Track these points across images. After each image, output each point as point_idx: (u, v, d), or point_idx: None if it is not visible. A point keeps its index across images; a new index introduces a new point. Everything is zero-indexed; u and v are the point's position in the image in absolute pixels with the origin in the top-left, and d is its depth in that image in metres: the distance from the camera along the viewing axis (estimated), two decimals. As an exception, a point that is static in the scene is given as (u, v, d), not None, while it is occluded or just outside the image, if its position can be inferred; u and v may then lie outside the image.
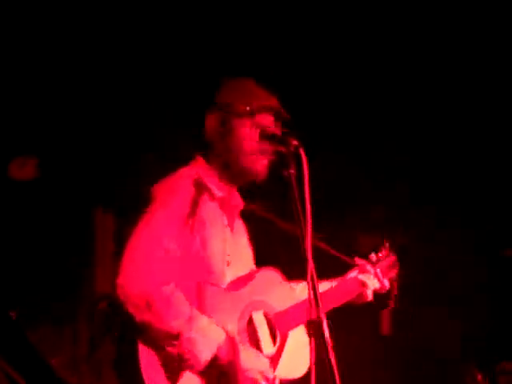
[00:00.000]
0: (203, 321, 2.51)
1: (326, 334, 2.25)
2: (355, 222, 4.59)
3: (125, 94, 4.52)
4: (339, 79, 4.84)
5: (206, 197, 2.70)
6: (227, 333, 2.54)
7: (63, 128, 4.62)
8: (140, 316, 2.44)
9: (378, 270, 3.13)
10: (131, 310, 2.45)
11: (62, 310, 4.52)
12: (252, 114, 2.70)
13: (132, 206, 2.71)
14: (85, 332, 4.49)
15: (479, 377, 4.19)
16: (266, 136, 2.63)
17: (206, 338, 2.49)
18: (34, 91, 4.51)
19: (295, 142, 2.43)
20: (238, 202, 2.86)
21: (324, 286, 2.96)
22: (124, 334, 2.55)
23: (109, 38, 4.38)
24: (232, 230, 2.79)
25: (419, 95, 4.95)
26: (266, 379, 2.62)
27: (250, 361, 2.57)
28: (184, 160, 2.79)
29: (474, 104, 4.96)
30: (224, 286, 2.67)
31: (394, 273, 3.24)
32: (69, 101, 4.54)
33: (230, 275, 2.72)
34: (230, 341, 2.54)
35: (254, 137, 2.68)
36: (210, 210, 2.70)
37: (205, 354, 2.48)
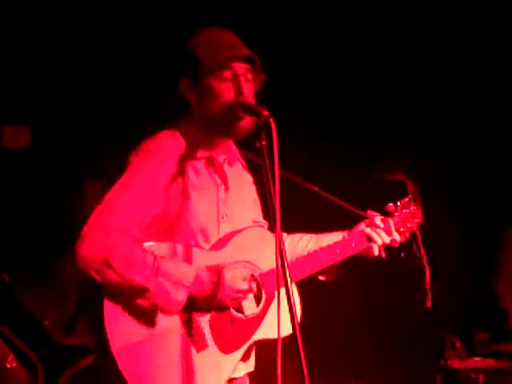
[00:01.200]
0: (169, 265, 2.49)
1: (294, 303, 2.25)
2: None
3: (112, 61, 4.56)
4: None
5: (190, 156, 2.66)
6: (198, 268, 2.52)
7: (56, 97, 4.67)
8: (104, 278, 2.44)
9: (391, 222, 2.98)
10: (94, 275, 2.44)
11: (51, 275, 4.60)
12: (222, 65, 2.63)
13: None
14: (73, 296, 4.57)
15: (458, 343, 4.28)
16: (238, 105, 2.60)
17: (176, 280, 2.48)
18: (28, 61, 4.56)
19: (266, 113, 2.40)
20: (234, 157, 2.82)
21: (334, 238, 2.94)
22: (89, 296, 2.54)
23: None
24: (226, 186, 2.75)
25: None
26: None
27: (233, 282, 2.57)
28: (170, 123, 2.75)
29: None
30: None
31: (413, 224, 3.06)
32: (61, 69, 4.59)
33: (227, 232, 2.71)
34: (206, 272, 2.53)
35: (229, 89, 2.64)
36: (195, 169, 2.67)
37: (179, 297, 2.49)
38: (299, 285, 2.77)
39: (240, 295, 2.62)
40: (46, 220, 4.72)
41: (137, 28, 4.63)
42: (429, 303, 3.02)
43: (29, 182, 4.77)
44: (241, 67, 2.66)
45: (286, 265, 2.28)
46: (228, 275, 2.58)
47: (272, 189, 2.32)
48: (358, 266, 3.16)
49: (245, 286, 2.63)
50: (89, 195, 4.70)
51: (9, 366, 4.17)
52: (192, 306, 2.55)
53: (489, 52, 4.99)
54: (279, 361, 2.25)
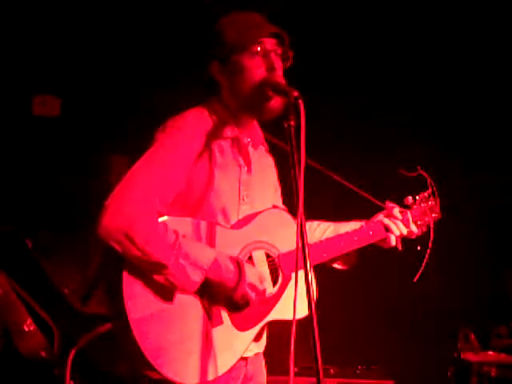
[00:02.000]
0: (190, 245, 2.50)
1: (312, 286, 2.26)
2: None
3: (141, 38, 4.57)
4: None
5: (217, 135, 2.66)
6: (218, 252, 2.53)
7: (86, 68, 4.70)
8: (124, 250, 2.44)
9: (409, 214, 3.00)
10: (115, 245, 2.44)
11: (75, 244, 4.64)
12: (252, 41, 2.62)
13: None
14: (94, 265, 4.61)
15: (472, 336, 4.28)
16: (268, 85, 2.59)
17: (194, 261, 2.48)
18: (59, 31, 4.59)
19: (296, 93, 2.39)
20: (258, 140, 2.82)
21: (352, 226, 2.95)
22: (109, 268, 2.56)
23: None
24: (249, 168, 2.74)
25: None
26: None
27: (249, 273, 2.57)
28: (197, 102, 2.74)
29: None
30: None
31: (431, 218, 3.08)
32: (92, 43, 4.61)
33: (247, 214, 2.71)
34: (223, 256, 2.53)
35: (260, 64, 2.62)
36: (221, 148, 2.66)
37: (194, 277, 2.49)
38: (316, 271, 2.77)
39: (254, 295, 2.61)
40: (72, 189, 4.75)
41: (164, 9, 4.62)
42: (416, 278, 3.02)
43: (56, 151, 4.81)
44: (270, 42, 2.66)
45: (306, 247, 2.28)
46: (249, 275, 2.58)
47: (297, 170, 2.31)
48: (374, 256, 3.22)
49: (261, 287, 2.62)
50: (114, 168, 4.73)
51: (27, 329, 4.21)
52: (207, 289, 2.56)
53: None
54: (293, 341, 2.27)
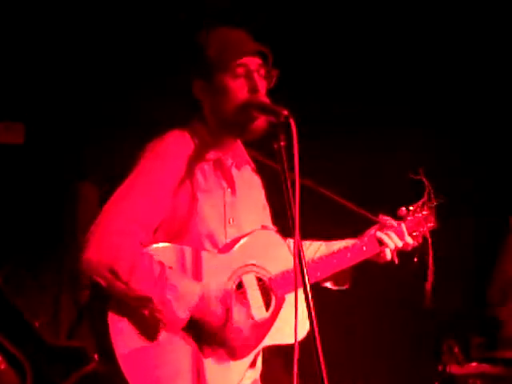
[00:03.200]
0: (176, 278, 2.42)
1: (312, 306, 2.18)
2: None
3: (109, 60, 4.49)
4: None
5: (199, 158, 2.59)
6: (204, 288, 2.45)
7: (50, 94, 4.60)
8: (108, 285, 2.37)
9: (403, 226, 2.92)
10: (99, 280, 2.37)
11: (46, 277, 4.53)
12: (234, 62, 2.55)
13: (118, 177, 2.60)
14: (67, 297, 4.52)
15: (456, 348, 4.27)
16: (254, 105, 2.52)
17: (181, 296, 2.40)
18: (22, 57, 4.49)
19: (285, 112, 2.30)
20: (243, 159, 2.75)
21: (344, 244, 2.87)
22: (93, 303, 2.47)
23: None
24: (233, 190, 2.66)
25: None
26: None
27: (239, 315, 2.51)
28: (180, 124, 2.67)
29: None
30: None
31: (425, 228, 3.00)
32: (57, 67, 4.51)
33: (235, 237, 2.64)
34: (210, 294, 2.46)
35: (242, 86, 2.56)
36: (203, 172, 2.60)
37: (181, 313, 2.41)
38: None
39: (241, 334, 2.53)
40: (38, 219, 4.63)
41: (133, 24, 4.54)
42: (427, 303, 2.98)
43: (21, 179, 4.68)
44: (253, 62, 2.58)
45: (304, 266, 2.21)
46: (236, 315, 2.51)
47: (291, 192, 2.23)
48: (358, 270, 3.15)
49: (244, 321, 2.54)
50: (82, 197, 4.63)
51: (-3, 367, 4.11)
52: (193, 327, 2.47)
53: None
54: (296, 367, 2.18)
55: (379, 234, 2.89)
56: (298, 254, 2.21)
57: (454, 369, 4.25)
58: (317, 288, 2.84)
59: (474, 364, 4.35)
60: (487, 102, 5.11)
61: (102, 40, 4.49)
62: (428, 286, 2.96)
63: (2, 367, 4.19)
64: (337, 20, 4.84)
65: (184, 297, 2.41)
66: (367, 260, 2.92)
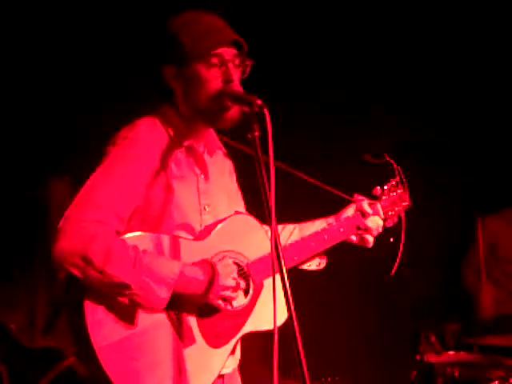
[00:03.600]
0: (151, 260, 2.39)
1: (289, 292, 2.18)
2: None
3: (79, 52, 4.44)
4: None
5: (171, 145, 2.57)
6: (183, 264, 2.43)
7: (20, 90, 4.53)
8: (83, 274, 2.33)
9: (379, 206, 2.93)
10: (73, 270, 2.33)
11: (19, 276, 4.48)
12: (209, 51, 2.53)
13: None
14: (43, 297, 4.47)
15: (433, 338, 4.29)
16: (228, 95, 2.52)
17: (159, 276, 2.37)
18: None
19: (259, 102, 2.31)
20: (214, 145, 2.74)
21: (319, 226, 2.87)
22: (69, 295, 2.43)
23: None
24: (206, 176, 2.66)
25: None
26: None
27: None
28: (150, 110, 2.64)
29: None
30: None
31: (400, 207, 3.01)
32: (25, 63, 4.45)
33: (210, 223, 2.63)
34: (194, 268, 2.45)
35: (217, 75, 2.55)
36: (176, 159, 2.58)
37: (162, 294, 2.38)
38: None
39: (231, 294, 2.54)
40: (10, 218, 4.57)
41: (105, 12, 4.49)
42: (393, 272, 2.96)
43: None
44: (228, 52, 2.58)
45: (280, 253, 2.21)
46: (222, 273, 2.50)
47: (266, 181, 2.23)
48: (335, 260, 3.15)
49: (233, 283, 2.55)
50: (54, 193, 4.58)
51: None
52: (176, 303, 2.46)
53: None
54: (276, 352, 2.17)
55: (358, 219, 2.88)
56: (275, 241, 2.20)
57: (431, 358, 4.27)
58: (294, 275, 2.85)
59: (451, 352, 4.38)
60: (463, 94, 5.15)
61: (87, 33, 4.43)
62: (398, 257, 2.95)
63: (-22, 370, 4.14)
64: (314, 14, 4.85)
65: (162, 276, 2.39)
66: (344, 242, 2.92)
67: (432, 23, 5.03)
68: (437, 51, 5.08)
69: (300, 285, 2.95)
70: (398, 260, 2.94)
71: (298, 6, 4.80)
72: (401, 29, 5.01)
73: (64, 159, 4.53)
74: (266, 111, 2.28)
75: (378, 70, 5.02)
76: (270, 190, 2.22)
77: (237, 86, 2.57)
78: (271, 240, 2.21)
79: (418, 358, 4.25)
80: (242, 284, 2.60)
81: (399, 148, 3.01)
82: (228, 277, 2.53)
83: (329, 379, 4.30)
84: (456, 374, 4.14)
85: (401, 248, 2.95)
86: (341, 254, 2.96)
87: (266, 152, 2.25)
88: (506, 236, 5.04)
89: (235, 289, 2.56)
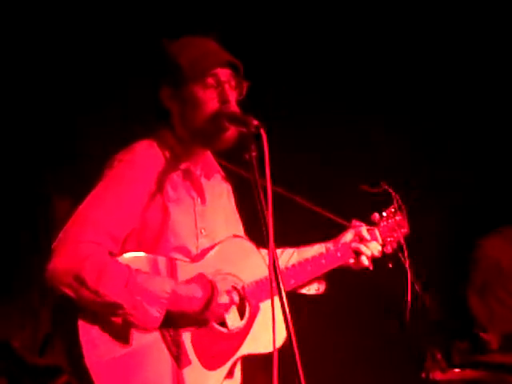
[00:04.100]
0: (144, 279, 2.39)
1: (288, 314, 2.17)
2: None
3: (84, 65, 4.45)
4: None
5: (167, 169, 2.58)
6: (176, 283, 2.44)
7: (23, 105, 4.54)
8: (76, 294, 2.33)
9: (377, 232, 2.96)
10: (66, 290, 2.33)
11: (20, 294, 4.48)
12: (205, 72, 2.55)
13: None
14: (45, 315, 4.46)
15: (439, 356, 4.26)
16: (225, 116, 2.52)
17: (151, 296, 2.37)
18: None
19: (255, 122, 2.32)
20: (212, 168, 2.74)
21: (317, 250, 2.88)
22: (62, 315, 2.43)
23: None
24: (203, 200, 2.66)
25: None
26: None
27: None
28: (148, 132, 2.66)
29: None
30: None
31: (399, 233, 3.02)
32: (33, 72, 4.46)
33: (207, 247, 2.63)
34: (182, 288, 2.45)
35: (213, 96, 2.56)
36: (172, 182, 2.58)
37: (155, 313, 2.38)
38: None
39: (224, 312, 2.54)
40: (13, 234, 4.57)
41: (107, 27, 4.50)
42: (408, 303, 2.99)
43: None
44: (224, 73, 2.59)
45: (279, 274, 2.20)
46: (220, 291, 2.51)
47: (263, 202, 2.23)
48: (338, 279, 3.13)
49: (227, 300, 2.55)
50: (58, 211, 4.59)
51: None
52: (171, 322, 2.45)
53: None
54: (276, 374, 2.17)
55: (354, 245, 2.91)
56: (273, 262, 2.20)
57: (437, 375, 4.23)
58: (294, 296, 2.84)
59: (456, 370, 4.35)
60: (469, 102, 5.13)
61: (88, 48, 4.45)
62: (409, 295, 2.95)
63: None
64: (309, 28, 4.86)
65: (154, 295, 2.39)
66: (342, 267, 2.94)
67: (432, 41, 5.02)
68: (442, 77, 5.06)
69: (301, 302, 2.96)
70: (409, 287, 2.92)
71: (296, 25, 4.79)
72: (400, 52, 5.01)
73: (70, 177, 4.53)
74: (262, 131, 2.29)
75: (377, 91, 5.01)
76: (267, 210, 2.21)
77: (233, 107, 2.58)
78: (269, 260, 2.20)
79: (423, 375, 4.22)
80: (236, 299, 2.59)
81: (399, 172, 2.99)
82: (222, 294, 2.53)
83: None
84: (461, 391, 4.11)
85: (409, 279, 2.95)
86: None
87: (263, 173, 2.24)
88: (508, 254, 5.01)
89: (228, 306, 2.56)
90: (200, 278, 2.52)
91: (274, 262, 2.20)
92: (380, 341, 4.99)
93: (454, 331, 4.70)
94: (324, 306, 4.13)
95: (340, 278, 2.99)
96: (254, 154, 2.29)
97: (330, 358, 4.89)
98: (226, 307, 2.54)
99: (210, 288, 2.49)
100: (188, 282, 2.51)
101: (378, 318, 4.84)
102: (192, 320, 2.49)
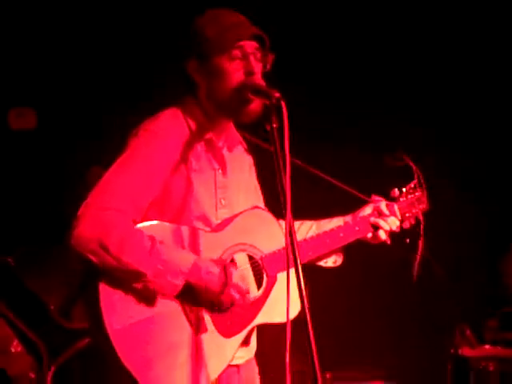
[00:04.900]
0: (167, 251, 2.44)
1: (303, 285, 2.18)
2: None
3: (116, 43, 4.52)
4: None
5: (191, 138, 2.61)
6: (198, 258, 2.48)
7: (61, 79, 4.63)
8: (99, 260, 2.38)
9: (396, 207, 2.95)
10: (90, 256, 2.37)
11: (57, 260, 4.57)
12: (232, 44, 2.57)
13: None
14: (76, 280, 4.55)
15: (468, 332, 4.25)
16: (248, 87, 2.54)
17: (173, 266, 2.42)
18: (33, 42, 4.52)
19: (277, 94, 2.34)
20: (235, 140, 2.77)
21: (336, 223, 2.90)
22: (86, 280, 2.47)
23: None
24: (224, 171, 2.69)
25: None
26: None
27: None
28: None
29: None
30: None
31: (418, 210, 3.01)
32: (67, 50, 4.55)
33: (225, 218, 2.66)
34: (203, 262, 2.48)
35: (238, 68, 2.58)
36: (195, 152, 2.62)
37: (175, 282, 2.43)
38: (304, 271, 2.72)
39: (239, 297, 2.55)
40: (51, 203, 4.67)
41: (138, 8, 4.55)
42: (414, 275, 2.97)
43: (34, 165, 4.73)
44: (250, 45, 2.60)
45: (295, 247, 2.22)
46: (236, 277, 2.53)
47: (282, 172, 2.26)
48: (365, 252, 3.15)
49: (245, 287, 2.58)
50: (92, 180, 4.66)
51: (13, 350, 4.16)
52: (187, 295, 2.49)
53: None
54: (288, 345, 2.20)
55: (373, 220, 2.91)
56: (290, 233, 2.22)
57: (466, 351, 4.23)
58: (312, 268, 2.85)
59: (486, 347, 4.33)
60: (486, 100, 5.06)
61: (106, 25, 4.51)
62: (416, 264, 2.95)
63: (19, 349, 4.25)
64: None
65: (176, 265, 2.43)
66: (360, 240, 2.94)
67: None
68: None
69: (328, 274, 2.98)
70: (417, 261, 2.93)
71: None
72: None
73: (105, 149, 4.61)
74: (283, 104, 2.31)
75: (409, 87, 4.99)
76: (285, 180, 2.24)
77: (258, 79, 2.59)
78: (286, 230, 2.22)
79: (452, 351, 4.22)
80: (252, 286, 2.63)
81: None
82: (240, 280, 2.56)
83: (362, 368, 4.30)
84: (491, 368, 4.10)
85: (419, 250, 2.95)
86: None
87: (282, 145, 2.26)
88: None
89: (244, 292, 2.57)
90: (217, 261, 2.56)
91: (291, 231, 2.22)
92: (410, 316, 4.98)
93: (484, 309, 4.67)
94: (351, 276, 4.17)
95: (361, 251, 2.99)
96: (275, 125, 2.31)
97: (359, 329, 4.91)
98: (241, 292, 2.55)
99: (225, 270, 2.52)
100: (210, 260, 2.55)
101: (407, 292, 4.83)
102: (208, 301, 2.53)
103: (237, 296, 2.53)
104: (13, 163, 4.72)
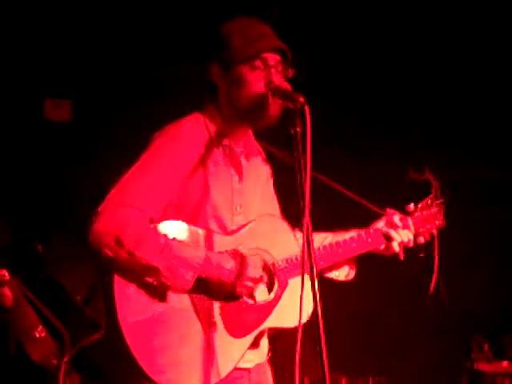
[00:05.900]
0: (179, 247, 2.50)
1: (317, 291, 2.23)
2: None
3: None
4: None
5: (211, 144, 2.67)
6: (209, 251, 2.54)
7: (97, 70, 4.69)
8: (114, 254, 2.44)
9: (410, 221, 2.95)
10: (105, 250, 2.44)
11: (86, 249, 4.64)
12: (255, 55, 2.63)
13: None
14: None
15: (486, 346, 4.23)
16: (276, 89, 2.59)
17: (185, 261, 2.48)
18: (69, 34, 4.60)
19: (302, 99, 2.38)
20: (253, 150, 2.82)
21: (349, 235, 2.90)
22: (102, 274, 2.53)
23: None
24: (241, 178, 2.74)
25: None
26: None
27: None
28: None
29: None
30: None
31: (433, 225, 3.02)
32: (102, 43, 4.61)
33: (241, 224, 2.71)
34: (215, 256, 2.54)
35: (259, 78, 2.64)
36: (214, 158, 2.68)
37: (187, 276, 2.48)
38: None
39: (254, 286, 2.61)
40: (84, 193, 4.74)
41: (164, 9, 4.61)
42: (431, 289, 2.99)
43: (69, 156, 4.81)
44: (272, 58, 2.66)
45: (312, 252, 2.26)
46: (251, 264, 2.58)
47: (303, 176, 2.30)
48: (382, 265, 3.18)
49: (256, 274, 2.62)
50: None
51: (38, 335, 4.21)
52: (201, 289, 2.55)
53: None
54: (299, 349, 2.24)
55: (385, 229, 2.92)
56: (307, 239, 2.26)
57: (482, 366, 4.20)
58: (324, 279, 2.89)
59: (504, 363, 4.30)
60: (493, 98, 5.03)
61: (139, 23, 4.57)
62: (432, 285, 2.96)
63: (43, 335, 4.30)
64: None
65: (188, 259, 2.49)
66: (374, 253, 2.95)
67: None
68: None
69: (345, 284, 3.00)
70: (434, 277, 2.94)
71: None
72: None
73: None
74: (306, 109, 2.35)
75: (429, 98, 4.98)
76: (306, 185, 2.29)
77: (284, 83, 2.63)
78: (303, 235, 2.26)
79: (468, 365, 4.20)
80: (265, 277, 2.67)
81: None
82: (256, 270, 2.60)
83: (376, 379, 4.30)
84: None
85: (435, 267, 2.96)
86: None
87: (304, 149, 2.30)
88: None
89: (258, 280, 2.62)
90: (233, 252, 2.61)
91: (308, 235, 2.26)
92: (426, 328, 4.97)
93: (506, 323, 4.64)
94: (370, 285, 4.18)
95: (375, 261, 3.00)
96: (298, 129, 2.36)
97: (376, 338, 4.91)
98: (256, 281, 2.61)
99: (241, 261, 2.57)
100: (221, 253, 2.60)
101: (424, 304, 4.83)
102: (222, 294, 2.58)
103: (250, 284, 2.57)
104: (49, 153, 4.80)
